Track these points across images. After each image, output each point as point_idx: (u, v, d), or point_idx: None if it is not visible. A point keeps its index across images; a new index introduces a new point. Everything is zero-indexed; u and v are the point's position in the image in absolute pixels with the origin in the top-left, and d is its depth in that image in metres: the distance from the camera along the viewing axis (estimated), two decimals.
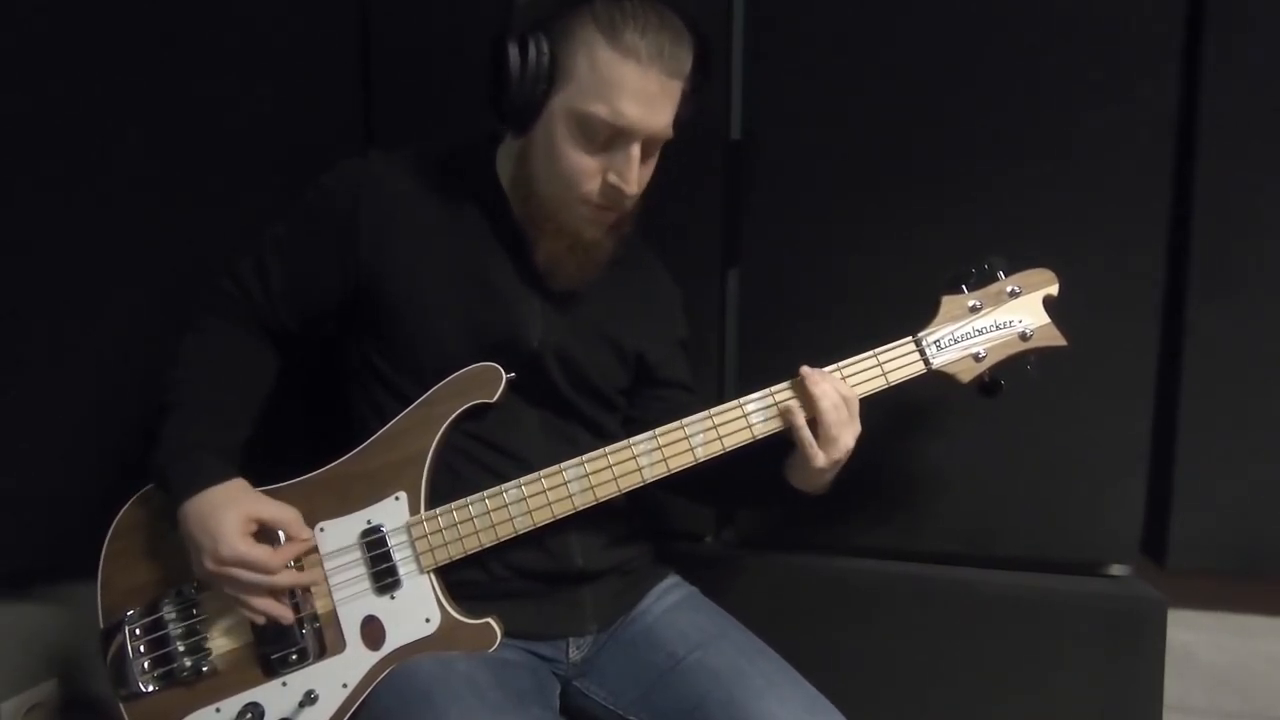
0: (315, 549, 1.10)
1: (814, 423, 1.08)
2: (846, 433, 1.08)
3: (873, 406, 1.11)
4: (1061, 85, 1.32)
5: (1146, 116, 1.30)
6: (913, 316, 1.13)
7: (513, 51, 1.02)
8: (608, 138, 1.05)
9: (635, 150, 1.05)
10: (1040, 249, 1.27)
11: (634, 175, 1.06)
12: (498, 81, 1.04)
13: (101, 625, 1.12)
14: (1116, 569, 1.41)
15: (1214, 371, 1.32)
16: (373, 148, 1.21)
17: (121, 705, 1.11)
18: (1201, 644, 1.48)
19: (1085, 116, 1.32)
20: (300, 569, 1.09)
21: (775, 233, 1.44)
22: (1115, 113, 1.31)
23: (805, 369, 1.09)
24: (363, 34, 1.55)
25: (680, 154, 1.13)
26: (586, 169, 1.06)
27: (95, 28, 1.31)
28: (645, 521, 1.27)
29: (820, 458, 1.07)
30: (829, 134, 1.40)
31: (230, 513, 1.04)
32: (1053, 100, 1.33)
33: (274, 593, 1.06)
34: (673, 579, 1.28)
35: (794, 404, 1.09)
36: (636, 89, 1.02)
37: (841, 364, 1.11)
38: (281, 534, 1.08)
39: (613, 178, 1.06)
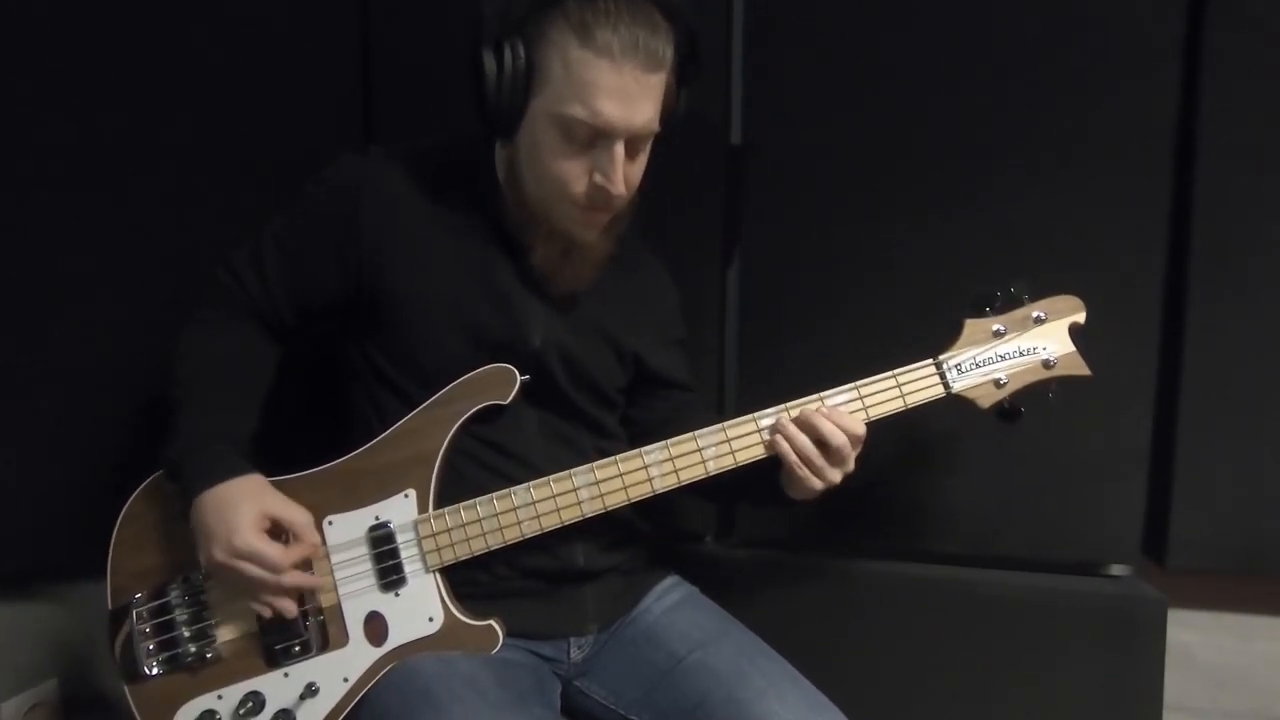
0: (325, 554, 1.10)
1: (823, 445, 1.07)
2: (837, 473, 1.08)
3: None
4: (1061, 86, 1.32)
5: (1146, 116, 1.30)
6: (912, 319, 1.13)
7: (489, 59, 1.02)
8: (589, 138, 1.03)
9: (618, 149, 1.04)
10: (1040, 250, 1.28)
11: (619, 175, 1.05)
12: (477, 89, 1.04)
13: (110, 607, 1.13)
14: (1116, 569, 1.41)
15: (1214, 372, 1.32)
16: (372, 145, 1.21)
17: (126, 687, 1.11)
18: (1201, 644, 1.48)
19: (1085, 117, 1.32)
20: (310, 570, 1.09)
21: (776, 238, 1.44)
22: (1115, 113, 1.31)
23: (824, 409, 1.07)
24: (363, 34, 1.55)
25: (681, 159, 1.12)
26: (571, 171, 1.05)
27: (95, 27, 1.31)
28: (647, 522, 1.27)
29: (812, 489, 1.08)
30: (829, 138, 1.40)
31: (247, 506, 1.04)
32: (1053, 101, 1.33)
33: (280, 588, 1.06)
34: (673, 579, 1.28)
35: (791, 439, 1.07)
36: (612, 87, 1.00)
37: (859, 384, 1.09)
38: (289, 535, 1.07)
39: (598, 178, 1.05)
